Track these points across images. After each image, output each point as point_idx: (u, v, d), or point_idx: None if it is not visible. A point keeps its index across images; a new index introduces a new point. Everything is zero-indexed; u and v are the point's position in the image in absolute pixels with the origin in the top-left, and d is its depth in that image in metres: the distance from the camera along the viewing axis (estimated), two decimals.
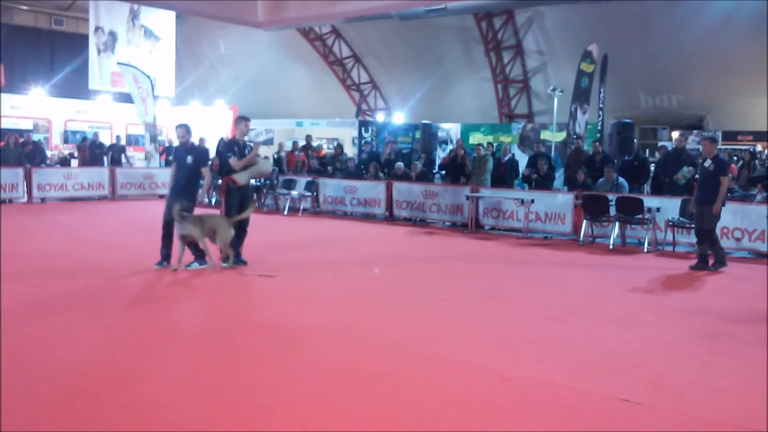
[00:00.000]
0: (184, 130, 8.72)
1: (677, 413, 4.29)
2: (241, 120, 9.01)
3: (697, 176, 12.51)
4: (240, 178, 8.65)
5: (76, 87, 25.04)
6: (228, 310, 6.84)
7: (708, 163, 9.51)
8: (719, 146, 19.14)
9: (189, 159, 8.59)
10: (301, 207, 15.87)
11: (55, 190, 17.08)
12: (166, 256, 8.55)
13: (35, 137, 19.67)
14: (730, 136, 20.05)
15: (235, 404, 4.23)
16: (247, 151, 8.87)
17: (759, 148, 18.53)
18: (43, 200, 16.82)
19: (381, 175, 15.61)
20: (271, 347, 5.47)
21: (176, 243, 8.45)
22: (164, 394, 4.41)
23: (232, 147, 8.81)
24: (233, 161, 8.67)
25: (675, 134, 19.43)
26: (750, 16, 17.83)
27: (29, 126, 20.99)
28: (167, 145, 20.43)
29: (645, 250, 11.30)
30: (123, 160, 20.00)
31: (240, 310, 6.86)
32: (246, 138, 9.12)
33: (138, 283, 7.86)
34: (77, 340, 5.55)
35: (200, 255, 8.54)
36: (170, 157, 8.95)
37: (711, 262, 9.55)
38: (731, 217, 11.03)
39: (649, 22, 19.81)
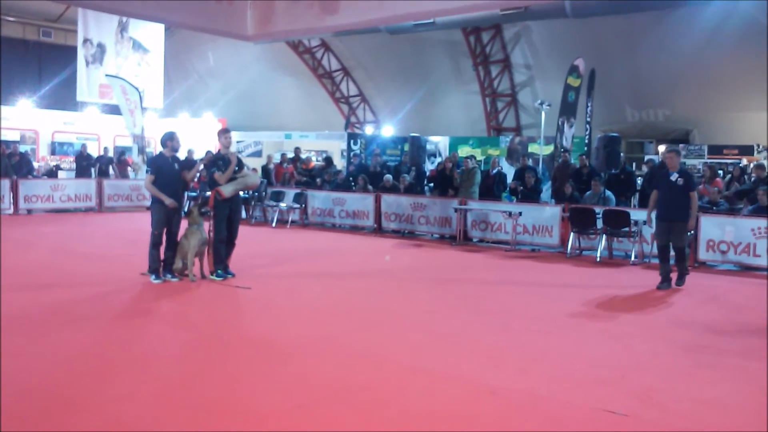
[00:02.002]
0: (178, 138, 8.76)
1: (663, 425, 4.32)
2: (222, 133, 9.04)
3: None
4: (225, 190, 8.66)
5: (64, 98, 24.93)
6: (215, 323, 6.81)
7: (674, 177, 8.95)
8: (705, 160, 19.39)
9: (176, 166, 8.64)
10: (290, 219, 15.86)
11: (41, 201, 16.99)
12: (157, 268, 8.55)
13: (22, 148, 19.56)
14: (715, 150, 20.24)
15: (222, 417, 4.22)
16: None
17: (745, 162, 18.71)
18: (29, 212, 16.72)
19: (369, 187, 15.64)
20: (258, 360, 5.46)
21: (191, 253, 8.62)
22: (151, 407, 4.39)
23: (216, 161, 8.86)
24: (217, 175, 8.71)
25: (661, 148, 19.60)
26: (736, 32, 18.04)
27: (16, 137, 20.87)
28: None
29: (631, 262, 11.36)
30: (110, 171, 19.91)
31: (227, 323, 6.84)
32: (233, 149, 9.13)
33: (124, 296, 7.82)
34: (62, 353, 5.51)
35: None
36: (149, 167, 8.83)
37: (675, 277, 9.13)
38: (717, 230, 11.12)
39: (635, 38, 20.01)
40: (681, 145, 20.59)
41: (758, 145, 19.41)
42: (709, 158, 19.73)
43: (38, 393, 4.54)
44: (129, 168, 20.10)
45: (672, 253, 9.10)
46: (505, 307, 7.85)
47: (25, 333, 6.01)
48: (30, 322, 6.40)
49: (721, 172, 16.99)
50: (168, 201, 8.36)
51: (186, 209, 9.48)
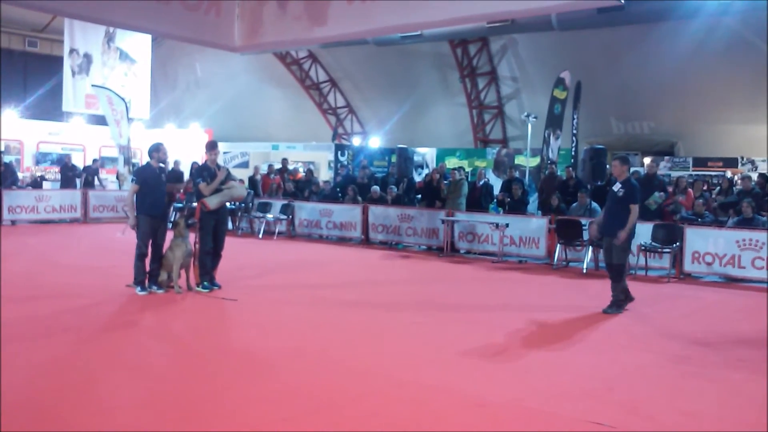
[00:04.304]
0: (165, 149, 8.71)
1: None
2: (210, 148, 9.02)
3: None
4: (211, 202, 8.63)
5: (50, 109, 24.83)
6: (200, 335, 6.76)
7: (617, 187, 8.21)
8: (690, 172, 19.54)
9: (163, 177, 8.61)
10: (276, 230, 15.80)
11: (26, 212, 16.85)
12: (143, 280, 8.48)
13: (6, 159, 19.42)
14: (700, 162, 20.44)
15: (207, 430, 4.17)
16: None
17: (729, 174, 18.91)
18: (13, 222, 16.57)
19: (359, 198, 15.63)
20: (244, 372, 5.41)
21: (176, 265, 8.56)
22: (135, 420, 4.34)
23: (201, 172, 8.84)
24: (202, 186, 8.69)
25: (647, 160, 19.75)
26: (720, 47, 18.26)
27: (0, 147, 20.71)
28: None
29: None
30: (96, 182, 19.80)
31: (212, 335, 6.79)
32: (221, 161, 9.12)
33: (109, 307, 7.75)
34: (45, 365, 5.45)
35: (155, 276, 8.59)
36: (134, 177, 8.81)
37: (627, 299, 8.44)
38: (702, 241, 11.20)
39: (621, 51, 20.20)
40: (666, 157, 20.79)
41: (742, 158, 19.62)
42: (693, 170, 19.92)
43: (20, 405, 4.48)
44: (97, 180, 19.97)
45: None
46: (492, 320, 7.84)
47: (9, 344, 5.92)
48: (14, 333, 6.31)
49: (705, 184, 17.10)
50: (131, 222, 8.39)
51: (172, 220, 9.44)
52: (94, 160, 20.47)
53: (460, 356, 6.08)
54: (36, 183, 19.31)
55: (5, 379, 4.96)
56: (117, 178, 20.53)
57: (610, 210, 8.35)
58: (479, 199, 14.86)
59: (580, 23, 18.54)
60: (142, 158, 22.15)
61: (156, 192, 8.46)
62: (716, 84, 19.47)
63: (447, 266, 12.28)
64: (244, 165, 24.64)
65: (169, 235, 8.70)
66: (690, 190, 13.57)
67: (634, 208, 8.09)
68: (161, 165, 8.76)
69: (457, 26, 17.83)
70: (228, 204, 9.42)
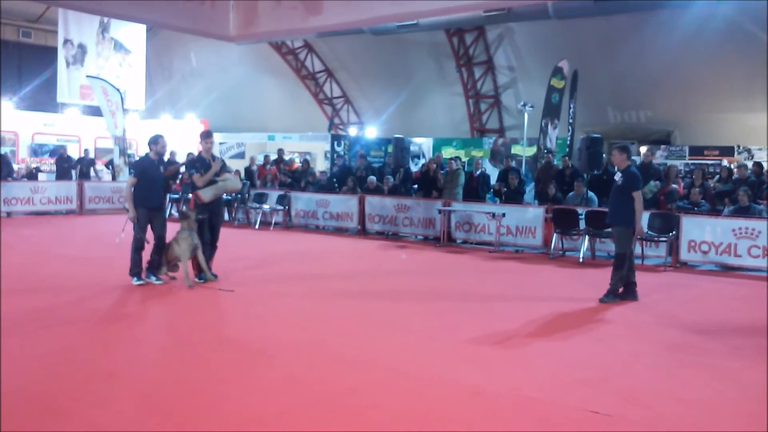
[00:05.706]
0: (164, 141, 8.68)
1: (646, 425, 4.33)
2: (204, 137, 8.98)
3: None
4: (204, 194, 8.60)
5: (44, 100, 24.71)
6: (198, 326, 6.75)
7: (618, 176, 8.25)
8: (687, 161, 19.55)
9: (161, 169, 8.60)
10: (273, 221, 15.79)
11: (21, 203, 16.80)
12: (139, 272, 8.47)
13: (2, 150, 19.35)
14: (696, 150, 20.43)
15: (205, 422, 4.18)
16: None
17: (725, 162, 18.90)
18: (8, 214, 16.52)
19: (358, 189, 15.62)
20: (241, 364, 5.42)
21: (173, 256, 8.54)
22: (133, 412, 4.34)
23: (195, 164, 8.81)
24: (196, 178, 8.65)
25: (643, 149, 19.73)
26: (716, 35, 18.22)
27: None
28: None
29: None
30: (91, 173, 19.77)
31: (210, 327, 6.78)
32: (215, 151, 9.10)
33: (106, 299, 7.74)
34: (44, 357, 5.44)
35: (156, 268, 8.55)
36: (133, 169, 8.78)
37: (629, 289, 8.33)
38: (698, 230, 11.22)
39: (618, 40, 20.14)
40: (663, 146, 20.79)
41: (738, 146, 19.63)
42: (690, 159, 19.93)
43: (18, 397, 4.48)
44: (93, 172, 19.98)
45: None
46: (488, 309, 7.85)
47: (6, 337, 5.91)
48: (11, 326, 6.30)
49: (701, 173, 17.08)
50: (131, 215, 8.32)
51: (179, 211, 9.42)
52: (85, 151, 20.42)
53: (457, 346, 6.08)
54: (31, 174, 19.27)
55: (4, 371, 4.96)
56: (107, 167, 20.50)
57: (612, 200, 8.40)
58: (476, 188, 14.86)
59: (577, 12, 18.49)
60: (137, 149, 22.12)
61: (154, 184, 8.45)
62: (713, 73, 19.44)
63: (444, 256, 12.28)
64: (240, 156, 24.56)
65: (172, 227, 8.67)
66: (679, 179, 13.54)
67: (638, 196, 8.03)
68: (160, 157, 8.73)
69: (453, 15, 17.77)
70: (224, 195, 9.40)
